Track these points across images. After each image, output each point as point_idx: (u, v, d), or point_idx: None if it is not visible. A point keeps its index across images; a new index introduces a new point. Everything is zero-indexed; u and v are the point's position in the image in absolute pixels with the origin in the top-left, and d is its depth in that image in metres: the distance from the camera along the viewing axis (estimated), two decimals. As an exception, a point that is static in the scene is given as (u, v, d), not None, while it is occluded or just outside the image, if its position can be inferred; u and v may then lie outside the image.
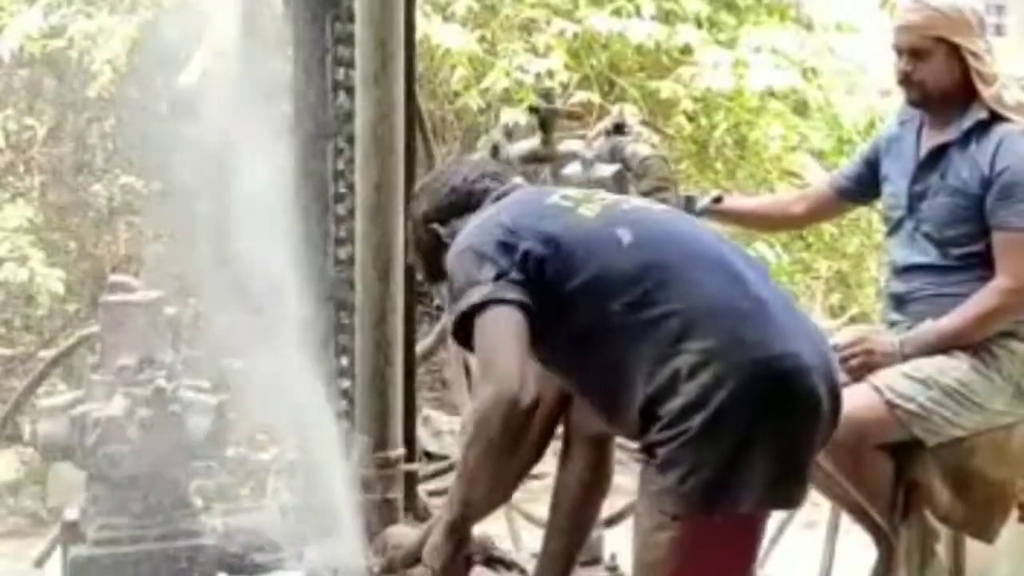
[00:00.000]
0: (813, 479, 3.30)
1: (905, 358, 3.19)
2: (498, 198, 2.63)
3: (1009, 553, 3.56)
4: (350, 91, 3.39)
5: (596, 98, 6.72)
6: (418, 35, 6.08)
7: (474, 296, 2.37)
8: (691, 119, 7.26)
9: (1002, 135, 3.17)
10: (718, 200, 3.62)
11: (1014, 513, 3.26)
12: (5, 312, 7.38)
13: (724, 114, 7.18)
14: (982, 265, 3.18)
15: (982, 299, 3.17)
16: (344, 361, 3.34)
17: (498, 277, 2.37)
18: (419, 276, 2.99)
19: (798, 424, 2.35)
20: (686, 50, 7.11)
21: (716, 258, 2.43)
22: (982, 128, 3.20)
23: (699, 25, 7.24)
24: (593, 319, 2.38)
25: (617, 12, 7.00)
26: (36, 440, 2.88)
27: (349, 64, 3.37)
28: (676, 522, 2.32)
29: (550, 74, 6.68)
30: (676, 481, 2.30)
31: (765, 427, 2.29)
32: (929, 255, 3.25)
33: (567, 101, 6.45)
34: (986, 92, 3.19)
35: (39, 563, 3.98)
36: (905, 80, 3.26)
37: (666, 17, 7.08)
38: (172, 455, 2.81)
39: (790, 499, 2.41)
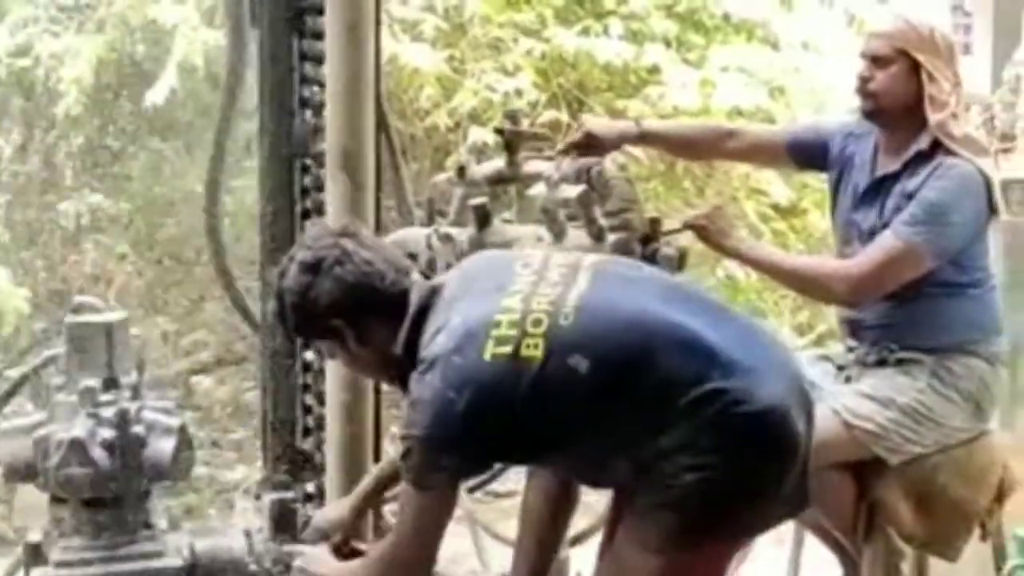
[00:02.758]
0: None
1: (738, 256, 3.33)
2: (421, 310, 2.54)
3: (972, 571, 3.58)
4: (318, 109, 3.41)
5: (565, 117, 6.75)
6: (387, 55, 6.10)
7: (428, 480, 2.46)
8: (660, 138, 7.28)
9: (936, 165, 3.15)
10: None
11: (977, 531, 3.28)
12: (-29, 331, 7.34)
13: (692, 133, 7.21)
14: (930, 294, 3.17)
15: (827, 268, 3.28)
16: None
17: (455, 474, 2.50)
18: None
19: (786, 466, 2.44)
20: (654, 69, 7.15)
21: (673, 324, 2.44)
22: (921, 159, 3.17)
23: (667, 45, 7.28)
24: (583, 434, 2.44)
25: (585, 31, 7.04)
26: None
27: (317, 82, 3.39)
28: (662, 555, 2.40)
29: (518, 93, 6.71)
30: (666, 521, 2.38)
31: (755, 473, 2.40)
32: None
33: (535, 120, 6.48)
34: (934, 117, 3.15)
35: (2, 586, 3.96)
36: (862, 88, 3.23)
37: (634, 36, 7.12)
38: (136, 476, 2.80)
39: (773, 523, 2.56)
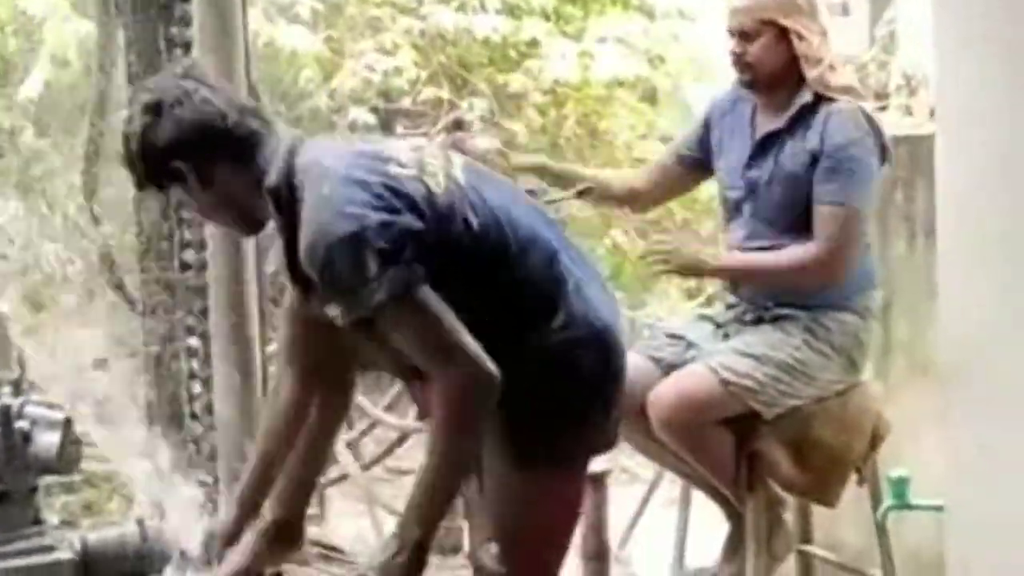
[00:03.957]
0: (659, 458, 3.43)
1: (713, 274, 3.40)
2: (290, 151, 2.44)
3: (851, 515, 3.69)
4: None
5: (446, 94, 6.76)
6: (263, 38, 6.06)
7: (385, 287, 2.29)
8: (543, 112, 7.33)
9: (828, 113, 3.24)
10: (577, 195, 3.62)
11: (853, 477, 3.39)
12: None
13: (573, 105, 7.26)
14: None
15: (794, 256, 3.27)
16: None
17: (399, 260, 2.30)
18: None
19: (619, 385, 2.58)
20: (533, 43, 7.18)
21: (541, 235, 2.51)
22: (808, 112, 3.26)
23: (545, 18, 7.31)
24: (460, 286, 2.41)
25: (462, 7, 7.05)
26: None
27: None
28: (533, 474, 2.46)
29: (398, 72, 6.71)
30: (536, 437, 2.45)
31: (593, 390, 2.51)
32: (766, 239, 3.32)
33: (417, 98, 6.50)
34: (811, 74, 3.25)
35: None
36: (737, 62, 3.31)
37: (511, 11, 7.15)
38: (21, 472, 2.78)
39: (610, 446, 2.65)
